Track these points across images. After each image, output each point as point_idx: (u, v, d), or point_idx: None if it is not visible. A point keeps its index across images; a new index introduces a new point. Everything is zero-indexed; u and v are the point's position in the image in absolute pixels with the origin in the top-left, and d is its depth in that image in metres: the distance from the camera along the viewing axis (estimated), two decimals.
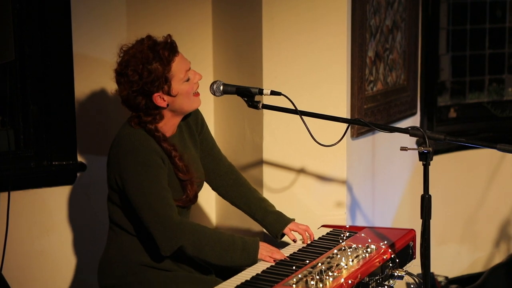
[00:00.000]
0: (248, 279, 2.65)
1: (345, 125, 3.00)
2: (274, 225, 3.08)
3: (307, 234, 3.06)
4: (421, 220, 2.67)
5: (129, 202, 2.80)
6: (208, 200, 3.93)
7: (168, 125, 2.89)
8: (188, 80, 2.83)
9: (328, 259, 2.78)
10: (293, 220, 3.10)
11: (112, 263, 2.92)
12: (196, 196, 2.92)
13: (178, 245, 2.75)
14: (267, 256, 2.81)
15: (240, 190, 3.14)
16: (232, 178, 3.14)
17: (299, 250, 2.95)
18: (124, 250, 2.91)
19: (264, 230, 3.18)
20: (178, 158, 2.86)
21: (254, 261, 2.80)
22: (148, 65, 2.75)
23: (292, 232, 3.08)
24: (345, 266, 2.70)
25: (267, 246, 2.85)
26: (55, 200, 3.61)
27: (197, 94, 2.89)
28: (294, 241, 3.06)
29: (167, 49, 2.78)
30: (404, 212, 4.38)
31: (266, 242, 2.91)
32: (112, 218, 2.94)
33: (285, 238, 3.13)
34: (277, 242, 3.12)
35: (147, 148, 2.79)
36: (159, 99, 2.80)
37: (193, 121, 3.05)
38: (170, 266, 2.89)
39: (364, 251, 2.86)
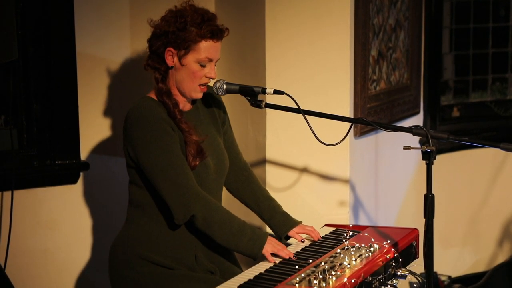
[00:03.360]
0: (251, 278, 2.65)
1: (348, 124, 3.00)
2: (280, 226, 3.08)
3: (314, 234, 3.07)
4: (424, 219, 2.67)
5: (145, 177, 2.83)
6: None
7: (178, 97, 2.92)
8: (202, 66, 2.85)
9: (331, 259, 2.78)
10: (300, 222, 3.10)
11: (118, 252, 2.95)
12: (200, 153, 2.89)
13: (191, 213, 2.77)
14: (269, 255, 2.81)
15: (251, 188, 3.14)
16: (245, 175, 3.15)
17: (302, 249, 2.95)
18: (130, 241, 2.92)
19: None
20: (178, 110, 2.87)
21: (258, 253, 2.80)
22: (188, 24, 2.82)
23: (298, 234, 3.07)
24: (348, 266, 2.70)
25: (275, 242, 2.84)
26: (58, 199, 3.61)
27: (203, 87, 2.90)
28: (302, 241, 3.05)
29: (211, 28, 2.83)
30: (407, 211, 4.38)
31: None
32: (130, 198, 2.97)
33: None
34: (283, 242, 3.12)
35: (154, 116, 2.82)
36: (170, 55, 2.85)
37: (217, 110, 3.07)
38: (171, 264, 2.89)
39: (367, 250, 2.86)
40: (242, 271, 2.96)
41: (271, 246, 2.82)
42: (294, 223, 3.08)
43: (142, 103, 2.87)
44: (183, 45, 2.83)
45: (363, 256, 2.80)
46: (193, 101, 3.00)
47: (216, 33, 2.85)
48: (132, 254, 2.90)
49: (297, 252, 2.91)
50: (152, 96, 2.91)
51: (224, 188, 3.17)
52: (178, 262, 2.90)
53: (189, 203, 2.77)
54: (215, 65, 2.91)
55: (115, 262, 2.95)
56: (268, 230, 3.21)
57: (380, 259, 2.82)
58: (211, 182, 2.95)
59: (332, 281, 2.57)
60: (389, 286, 2.84)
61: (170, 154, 2.80)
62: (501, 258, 5.03)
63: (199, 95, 2.92)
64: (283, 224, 3.07)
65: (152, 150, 2.80)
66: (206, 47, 2.85)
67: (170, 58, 2.86)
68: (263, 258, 2.83)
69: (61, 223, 3.63)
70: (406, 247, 3.04)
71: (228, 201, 3.25)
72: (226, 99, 3.14)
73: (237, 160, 3.15)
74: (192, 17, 2.83)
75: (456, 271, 4.95)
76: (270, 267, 2.74)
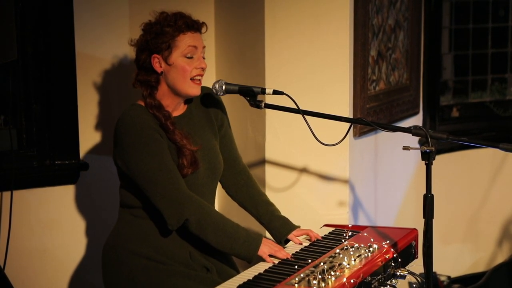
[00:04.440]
0: (251, 278, 2.65)
1: (347, 125, 3.00)
2: (280, 230, 3.07)
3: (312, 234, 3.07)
4: (424, 219, 2.67)
5: (133, 182, 2.83)
6: None
7: (172, 105, 2.91)
8: (190, 58, 2.85)
9: (331, 259, 2.78)
10: (298, 227, 3.10)
11: (109, 250, 2.95)
12: (194, 163, 2.89)
13: (184, 218, 2.77)
14: (267, 256, 2.81)
15: (250, 192, 3.13)
16: (244, 179, 3.14)
17: (301, 249, 2.95)
18: (121, 237, 2.92)
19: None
20: (171, 122, 2.87)
21: (253, 255, 2.80)
22: (163, 26, 2.85)
23: (296, 237, 3.07)
24: (347, 266, 2.70)
25: (271, 244, 2.84)
26: (57, 199, 3.61)
27: (197, 81, 2.89)
28: (301, 244, 3.05)
29: (184, 21, 2.86)
30: (406, 211, 4.38)
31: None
32: (121, 201, 2.97)
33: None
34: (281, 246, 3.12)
35: (141, 123, 2.82)
36: (156, 62, 2.86)
37: (214, 112, 3.06)
38: (165, 260, 2.88)
39: (367, 250, 2.86)
40: (238, 268, 2.97)
41: (268, 247, 2.82)
42: (293, 226, 3.08)
43: (130, 111, 2.87)
44: (164, 46, 2.84)
45: (362, 256, 2.80)
46: (188, 101, 2.99)
47: (192, 25, 2.87)
48: (123, 250, 2.89)
49: (296, 252, 2.91)
50: (141, 103, 2.91)
51: (223, 191, 3.17)
52: (172, 259, 2.89)
53: (182, 207, 2.77)
54: (203, 57, 2.90)
55: (107, 261, 2.95)
56: (267, 234, 3.21)
57: (379, 259, 2.82)
58: (201, 187, 2.94)
59: (331, 281, 2.57)
60: (388, 286, 2.84)
61: (159, 159, 2.79)
62: (500, 258, 5.03)
63: (195, 91, 2.90)
64: (282, 228, 3.07)
65: (141, 157, 2.79)
66: (185, 39, 2.86)
67: (158, 65, 2.86)
68: (259, 260, 2.82)
69: (60, 223, 3.63)
70: (405, 247, 3.05)
71: (226, 204, 3.24)
72: (226, 99, 3.14)
73: (236, 164, 3.14)
74: (165, 20, 2.87)
75: (456, 271, 4.95)
76: (269, 267, 2.74)
